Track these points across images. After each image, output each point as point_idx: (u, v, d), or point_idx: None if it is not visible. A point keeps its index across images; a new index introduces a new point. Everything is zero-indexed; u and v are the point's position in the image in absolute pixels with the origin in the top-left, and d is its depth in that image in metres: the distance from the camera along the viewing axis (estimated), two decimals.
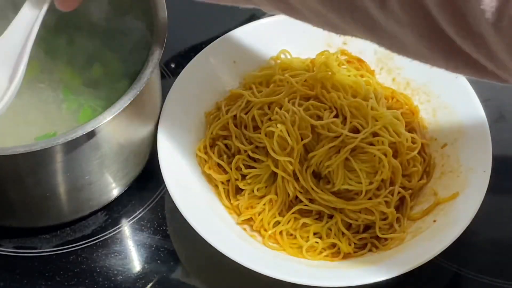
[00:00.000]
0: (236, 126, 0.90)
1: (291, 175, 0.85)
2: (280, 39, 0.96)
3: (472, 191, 0.85)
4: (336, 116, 0.89)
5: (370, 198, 0.85)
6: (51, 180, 0.81)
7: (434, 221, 0.85)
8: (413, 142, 0.89)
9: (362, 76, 0.93)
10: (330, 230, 0.85)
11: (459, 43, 0.59)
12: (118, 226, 0.90)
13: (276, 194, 0.86)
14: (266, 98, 0.91)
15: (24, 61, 0.78)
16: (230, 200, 0.88)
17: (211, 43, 0.94)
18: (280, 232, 0.85)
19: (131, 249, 0.89)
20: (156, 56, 0.81)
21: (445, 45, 0.60)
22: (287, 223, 0.85)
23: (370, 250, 0.85)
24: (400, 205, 0.87)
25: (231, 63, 0.95)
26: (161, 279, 0.86)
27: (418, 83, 0.94)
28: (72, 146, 0.77)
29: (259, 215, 0.86)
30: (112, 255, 0.88)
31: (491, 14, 0.55)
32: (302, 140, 0.87)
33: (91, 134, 0.77)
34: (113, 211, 0.90)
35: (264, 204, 0.86)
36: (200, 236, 0.81)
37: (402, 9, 0.60)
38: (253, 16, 1.05)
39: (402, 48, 0.65)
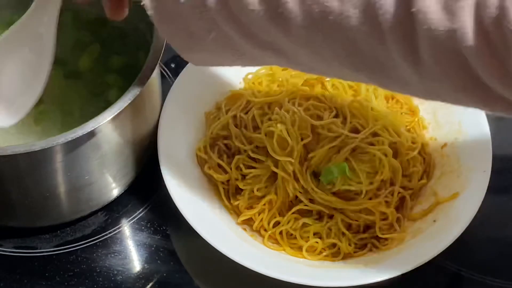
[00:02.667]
0: (236, 126, 0.90)
1: (291, 175, 0.85)
2: None
3: (472, 191, 0.85)
4: (336, 116, 0.89)
5: (370, 198, 0.85)
6: (51, 180, 0.81)
7: (434, 221, 0.85)
8: (413, 142, 0.89)
9: None
10: (330, 230, 0.85)
11: (499, 90, 0.59)
12: (118, 226, 0.90)
13: (276, 194, 0.86)
14: (266, 98, 0.91)
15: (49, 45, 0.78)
16: (230, 200, 0.88)
17: None
18: (280, 232, 0.85)
19: (131, 249, 0.89)
20: (156, 56, 0.81)
21: (482, 92, 0.60)
22: (287, 223, 0.85)
23: (370, 250, 0.85)
24: (400, 205, 0.87)
25: None
26: (161, 279, 0.86)
27: None
28: (72, 146, 0.77)
29: (259, 215, 0.86)
30: (112, 255, 0.88)
31: None
32: (302, 140, 0.87)
33: (91, 134, 0.77)
34: (113, 211, 0.90)
35: (264, 204, 0.86)
36: (200, 236, 0.81)
37: (437, 62, 0.60)
38: None
39: (436, 96, 0.65)
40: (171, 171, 0.85)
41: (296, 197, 0.86)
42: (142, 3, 0.69)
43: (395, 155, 0.88)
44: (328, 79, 0.91)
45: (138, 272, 0.87)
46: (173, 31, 0.70)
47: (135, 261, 0.88)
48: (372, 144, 0.87)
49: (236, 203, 0.87)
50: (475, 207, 0.83)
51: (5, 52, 0.79)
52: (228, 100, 0.93)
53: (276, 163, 0.86)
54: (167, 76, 1.00)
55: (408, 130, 0.90)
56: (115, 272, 0.86)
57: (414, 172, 0.88)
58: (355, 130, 0.87)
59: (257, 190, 0.86)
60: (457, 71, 0.59)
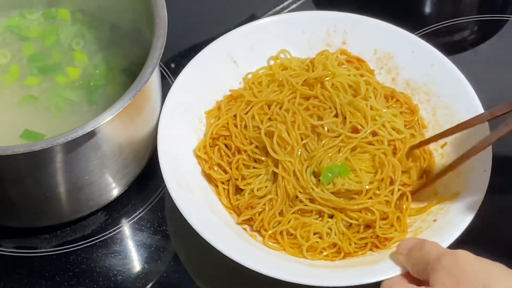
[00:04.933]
0: (236, 126, 0.90)
1: (291, 175, 0.85)
2: (280, 39, 0.96)
3: (472, 191, 0.85)
4: (336, 116, 0.89)
5: (370, 198, 0.85)
6: (51, 180, 0.81)
7: (434, 221, 0.85)
8: (413, 135, 0.90)
9: (362, 75, 0.93)
10: (331, 230, 0.85)
11: None
12: (118, 226, 0.90)
13: (276, 194, 0.86)
14: (266, 98, 0.91)
15: None
16: (230, 200, 0.88)
17: (211, 43, 0.94)
18: (280, 232, 0.85)
19: (131, 249, 0.89)
20: (156, 56, 0.81)
21: None
22: (287, 223, 0.85)
23: (370, 250, 0.85)
24: (400, 202, 0.87)
25: (231, 63, 0.95)
26: (161, 279, 0.86)
27: (418, 83, 0.94)
28: (72, 146, 0.77)
29: (259, 215, 0.86)
30: (112, 255, 0.88)
31: None
32: (302, 140, 0.87)
33: (91, 134, 0.77)
34: (113, 211, 0.90)
35: (264, 204, 0.86)
36: (200, 236, 0.81)
37: None
38: (253, 16, 1.06)
39: None
40: (171, 171, 0.85)
41: (296, 196, 0.86)
42: None
43: (394, 151, 0.88)
44: (328, 78, 0.91)
45: (138, 272, 0.87)
46: None
47: (135, 261, 0.88)
48: (371, 143, 0.87)
49: (236, 203, 0.87)
50: (475, 207, 0.83)
51: None
52: (228, 100, 0.93)
53: (276, 163, 0.86)
54: (167, 76, 1.00)
55: (408, 129, 0.90)
56: (115, 272, 0.86)
57: (413, 167, 0.88)
58: (355, 130, 0.87)
59: (257, 190, 0.86)
60: None
